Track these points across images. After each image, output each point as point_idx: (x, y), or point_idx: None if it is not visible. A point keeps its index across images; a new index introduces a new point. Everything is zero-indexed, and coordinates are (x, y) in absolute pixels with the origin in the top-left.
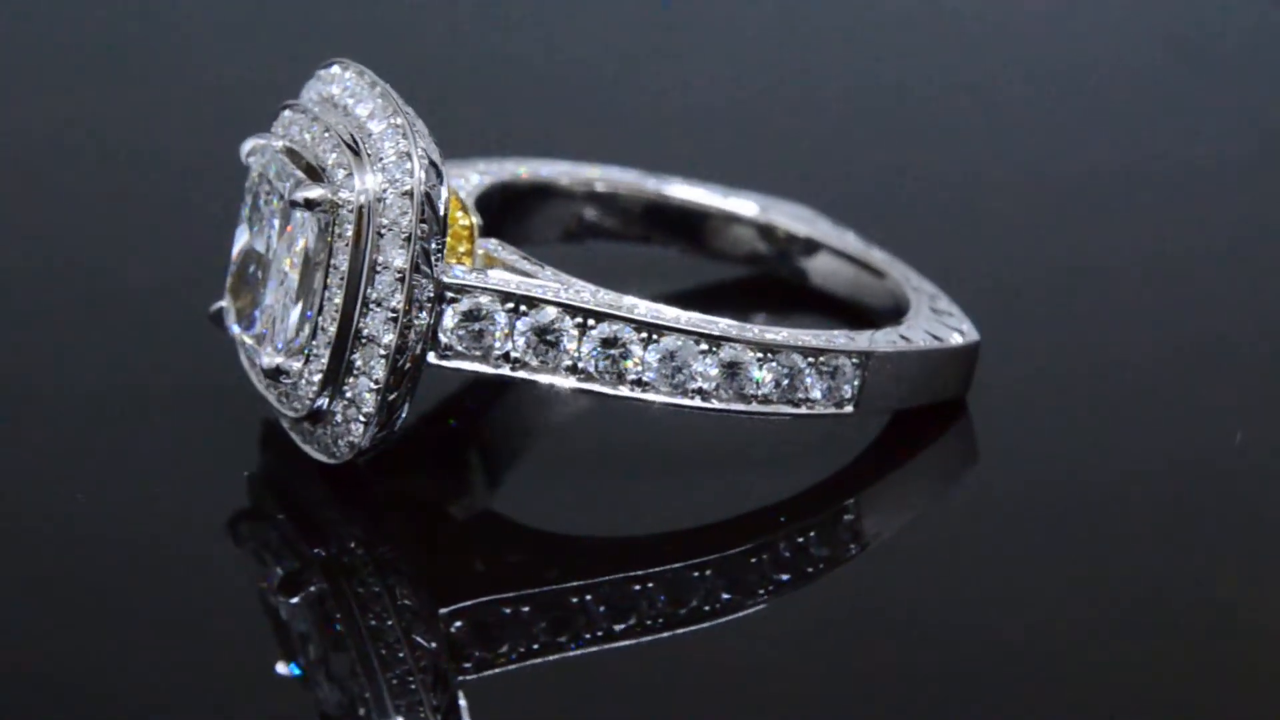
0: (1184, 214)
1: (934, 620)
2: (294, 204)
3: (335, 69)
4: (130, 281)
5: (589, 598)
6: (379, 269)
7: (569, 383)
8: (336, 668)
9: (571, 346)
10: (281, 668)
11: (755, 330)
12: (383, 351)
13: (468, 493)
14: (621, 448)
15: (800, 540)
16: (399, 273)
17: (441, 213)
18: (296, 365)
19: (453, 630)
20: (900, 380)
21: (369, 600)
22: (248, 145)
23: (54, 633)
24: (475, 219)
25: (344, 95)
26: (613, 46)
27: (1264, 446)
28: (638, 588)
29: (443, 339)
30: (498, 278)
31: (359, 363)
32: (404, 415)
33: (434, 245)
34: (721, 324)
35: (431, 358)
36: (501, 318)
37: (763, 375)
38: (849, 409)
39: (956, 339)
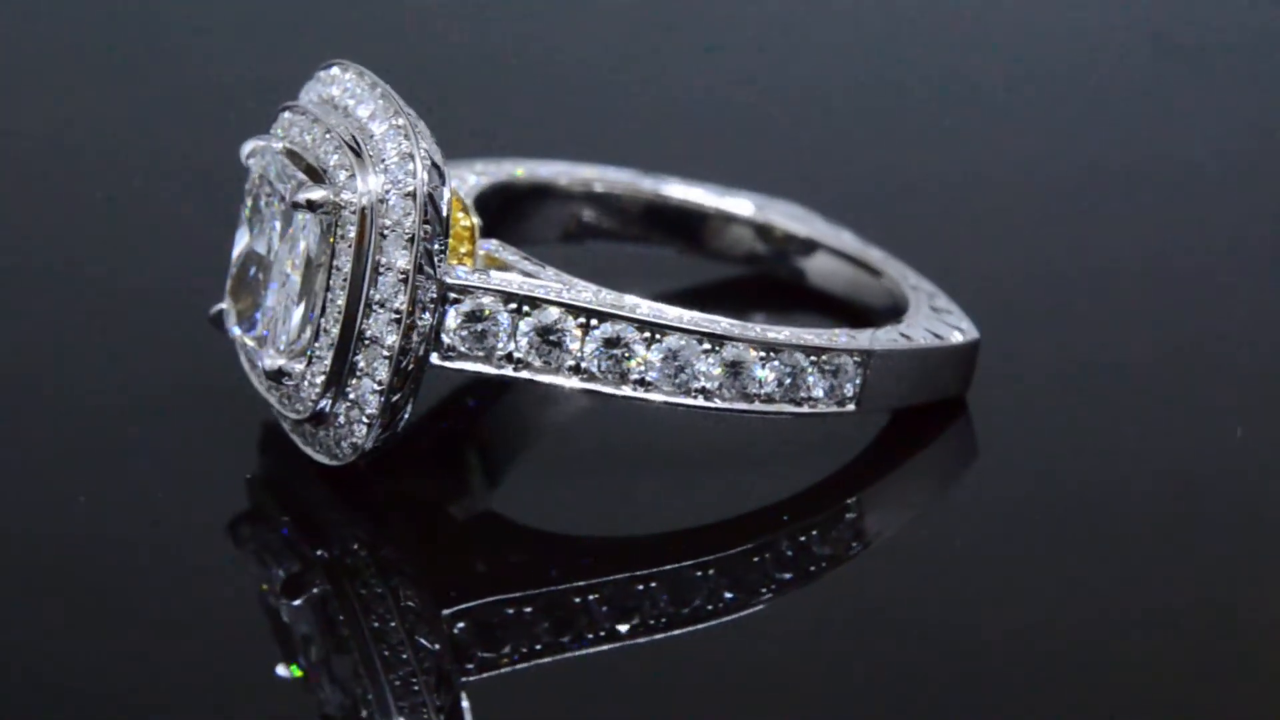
0: (1183, 213)
1: (937, 619)
2: (296, 205)
3: (335, 70)
4: (129, 284)
5: (592, 598)
6: (382, 270)
7: (572, 383)
8: (339, 669)
9: (574, 347)
10: (282, 670)
11: (757, 329)
12: (386, 353)
13: (467, 493)
14: (622, 447)
15: (802, 539)
16: (402, 274)
17: (444, 214)
18: (299, 367)
19: (455, 631)
20: (901, 378)
21: (371, 602)
22: (248, 147)
23: (55, 634)
24: (476, 220)
25: (344, 97)
26: (608, 46)
27: (1264, 445)
28: (640, 587)
29: (445, 340)
30: (500, 278)
31: (362, 364)
32: (407, 416)
33: (437, 246)
34: (724, 323)
35: (434, 358)
36: (504, 318)
37: (765, 374)
38: (851, 407)
39: (957, 337)
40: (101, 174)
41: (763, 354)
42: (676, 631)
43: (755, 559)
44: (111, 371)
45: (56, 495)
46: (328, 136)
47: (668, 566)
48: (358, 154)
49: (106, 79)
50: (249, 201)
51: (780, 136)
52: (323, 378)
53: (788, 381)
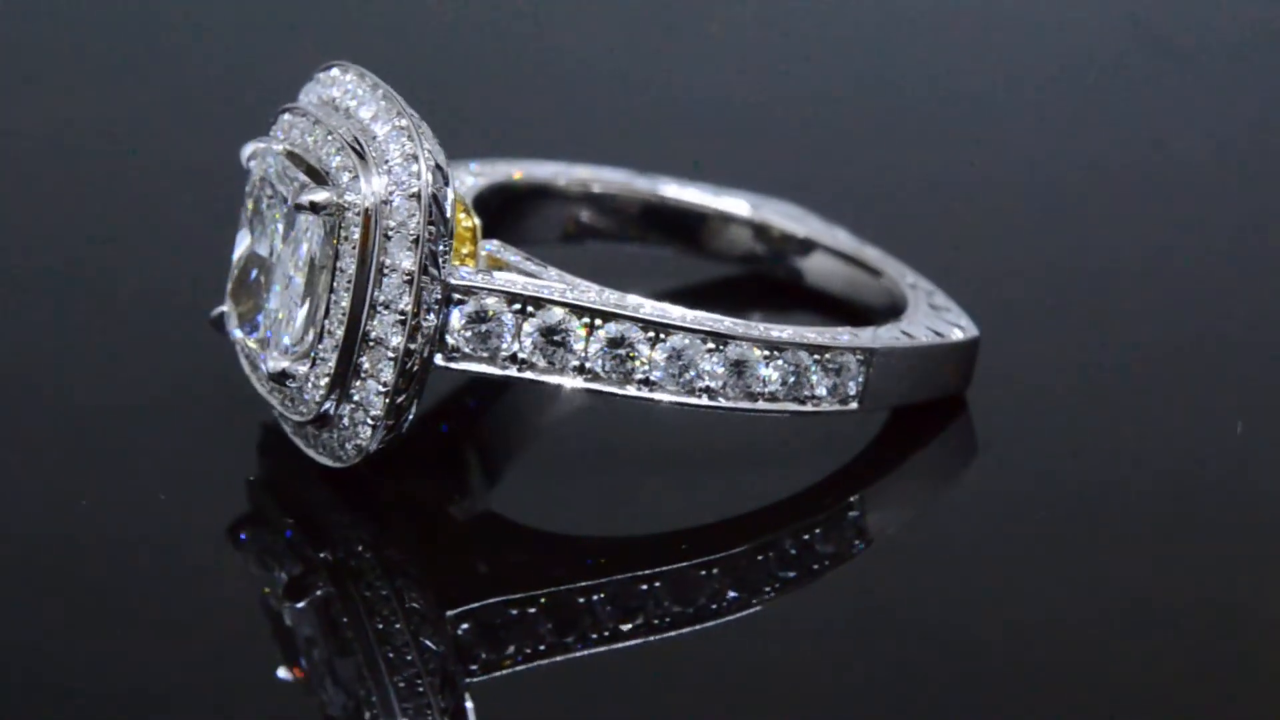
0: (1182, 212)
1: (939, 617)
2: (299, 207)
3: (335, 71)
4: (129, 286)
5: (595, 598)
6: (386, 271)
7: (576, 383)
8: (342, 671)
9: (579, 347)
10: (283, 672)
11: (761, 328)
12: (391, 354)
13: (467, 494)
14: (622, 447)
15: (806, 538)
16: (407, 275)
17: (448, 214)
18: (302, 369)
19: (459, 632)
20: (903, 376)
21: (375, 603)
22: (248, 149)
23: (57, 636)
24: (477, 220)
25: (345, 98)
26: (603, 46)
27: (1264, 443)
28: (644, 587)
29: (450, 341)
30: (504, 279)
31: (366, 366)
32: (410, 418)
33: (441, 247)
34: (727, 322)
35: (438, 360)
36: (509, 319)
37: (769, 373)
38: (854, 406)
39: (957, 334)
40: (102, 174)
41: (766, 353)
42: (680, 631)
43: (759, 558)
44: (111, 374)
45: (58, 497)
46: (329, 138)
47: (671, 566)
48: (361, 155)
49: (107, 80)
50: (249, 204)
51: (776, 136)
52: (327, 379)
53: (791, 380)
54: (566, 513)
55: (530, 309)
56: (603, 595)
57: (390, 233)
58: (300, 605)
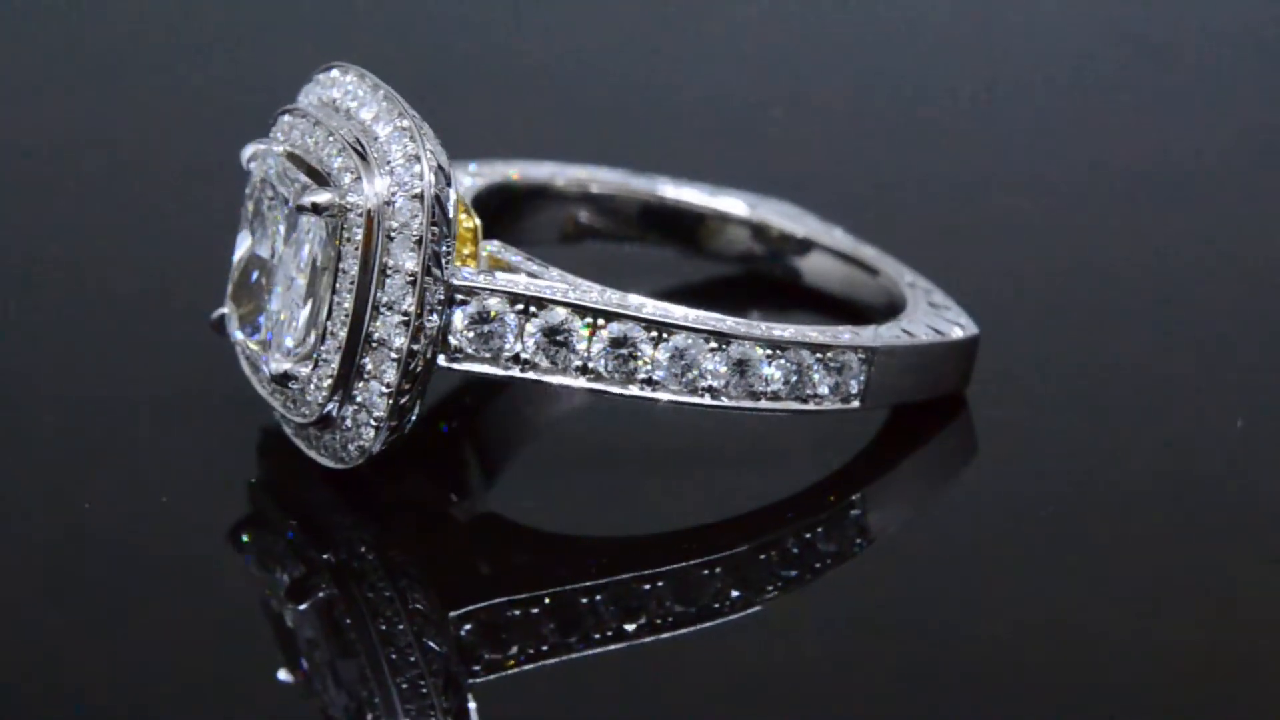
0: (1181, 211)
1: (941, 615)
2: (302, 209)
3: (334, 73)
4: (128, 288)
5: (598, 598)
6: (389, 272)
7: (579, 383)
8: (344, 673)
9: (581, 347)
10: (284, 674)
11: (763, 327)
12: (394, 355)
13: (467, 494)
14: (622, 447)
15: (808, 536)
16: (410, 276)
17: (451, 215)
18: (305, 371)
19: (462, 633)
20: (904, 375)
21: (377, 605)
22: (248, 150)
23: (59, 638)
24: (477, 221)
25: (346, 99)
26: (597, 45)
27: (1264, 441)
28: (647, 587)
29: (452, 341)
30: (506, 279)
31: (370, 367)
32: (413, 419)
33: (444, 248)
34: (729, 321)
35: (441, 360)
36: (511, 319)
37: (772, 372)
38: (856, 404)
39: (957, 332)
40: (102, 176)
41: (769, 352)
42: (683, 631)
43: (761, 557)
44: (112, 376)
45: (60, 500)
46: (330, 139)
47: (673, 566)
48: (363, 157)
49: (106, 81)
50: (250, 205)
51: (772, 135)
52: (330, 381)
53: (794, 379)
54: (568, 513)
55: (533, 309)
56: (605, 595)
57: (393, 234)
58: (302, 607)
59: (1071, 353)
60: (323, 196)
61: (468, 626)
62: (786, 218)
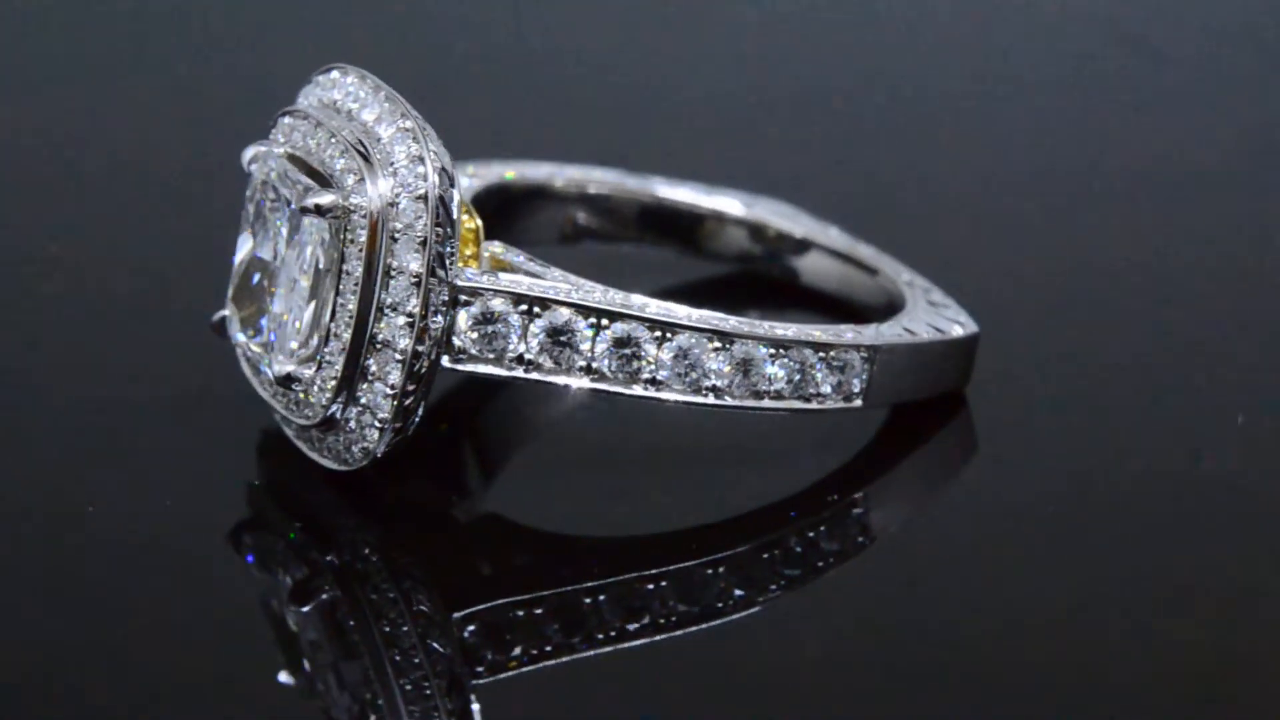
0: (1180, 210)
1: (944, 613)
2: (305, 210)
3: (335, 74)
4: (128, 291)
5: (601, 598)
6: (393, 273)
7: (582, 383)
8: (348, 675)
9: (585, 347)
10: (284, 676)
11: (766, 326)
12: (399, 356)
13: (467, 494)
14: (624, 448)
15: (810, 535)
16: (415, 277)
17: (455, 216)
18: (308, 373)
19: (465, 634)
20: (906, 373)
21: (380, 606)
22: (249, 152)
23: (62, 641)
24: (479, 221)
25: (347, 100)
26: (595, 45)
27: (1263, 439)
28: (650, 587)
29: (456, 342)
30: (509, 279)
31: (374, 368)
32: (417, 420)
33: (448, 249)
34: (732, 321)
35: (445, 361)
36: (515, 320)
37: (775, 371)
38: (858, 403)
39: (957, 330)
40: (101, 177)
41: (772, 351)
42: (686, 630)
43: (763, 556)
44: (112, 379)
45: (62, 503)
46: (333, 140)
47: (676, 565)
48: (365, 158)
49: (107, 83)
50: (250, 208)
51: (769, 135)
52: (334, 383)
53: (797, 378)
54: (570, 513)
55: (536, 310)
56: (608, 595)
57: (397, 235)
58: (305, 609)
59: (1070, 351)
60: (326, 198)
61: (471, 627)
62: (783, 217)
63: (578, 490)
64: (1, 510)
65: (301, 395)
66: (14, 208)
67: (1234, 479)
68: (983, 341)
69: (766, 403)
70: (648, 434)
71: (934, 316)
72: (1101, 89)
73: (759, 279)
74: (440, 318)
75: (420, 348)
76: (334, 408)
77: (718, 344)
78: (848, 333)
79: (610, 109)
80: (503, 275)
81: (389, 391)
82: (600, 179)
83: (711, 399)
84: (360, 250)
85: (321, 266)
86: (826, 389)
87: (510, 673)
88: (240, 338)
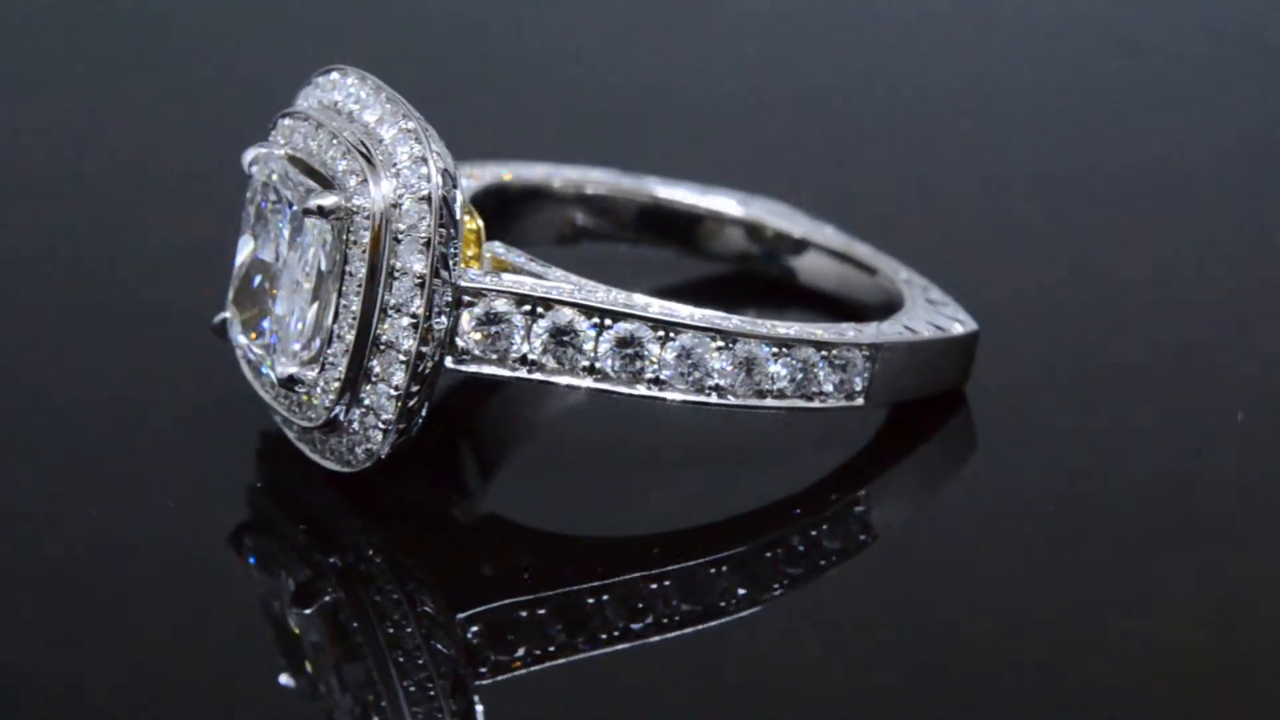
0: (1180, 210)
1: (948, 611)
2: (308, 212)
3: (334, 75)
4: (128, 293)
5: (605, 598)
6: (397, 274)
7: (585, 383)
8: (350, 676)
9: (589, 347)
10: (285, 679)
11: (768, 325)
12: (403, 357)
13: (467, 494)
14: (624, 447)
15: (813, 534)
16: (418, 278)
17: (458, 217)
18: (311, 374)
19: (469, 635)
20: (907, 371)
21: (384, 608)
22: (250, 154)
23: (64, 644)
24: (480, 222)
25: (348, 101)
26: (592, 44)
27: (1263, 436)
28: (653, 586)
29: (459, 343)
30: (512, 280)
31: (377, 370)
32: (420, 421)
33: (452, 250)
34: (735, 320)
35: (448, 362)
36: (518, 320)
37: (778, 370)
38: (860, 401)
39: (957, 328)
40: (101, 179)
41: (775, 350)
42: (690, 630)
43: (766, 555)
44: (112, 382)
45: (63, 506)
46: (334, 142)
47: (679, 565)
48: (368, 159)
49: (107, 83)
50: (251, 210)
51: (765, 135)
52: (337, 384)
53: (800, 377)
54: (572, 513)
55: (540, 310)
56: (611, 595)
57: (400, 236)
58: (308, 611)
59: (1068, 349)
60: (329, 200)
61: (475, 628)
62: (780, 216)
63: (579, 490)
64: (3, 512)
65: (304, 397)
66: (14, 208)
67: (1234, 479)
68: (981, 339)
69: (769, 401)
70: (648, 434)
71: (934, 314)
72: (1101, 89)
73: (756, 279)
74: (444, 318)
75: (424, 349)
76: (337, 409)
77: (721, 343)
78: (849, 331)
79: (609, 109)
80: (505, 276)
81: (393, 393)
82: (597, 179)
83: (715, 398)
84: (363, 251)
85: (324, 268)
86: (829, 387)
87: (514, 673)
88: (241, 340)
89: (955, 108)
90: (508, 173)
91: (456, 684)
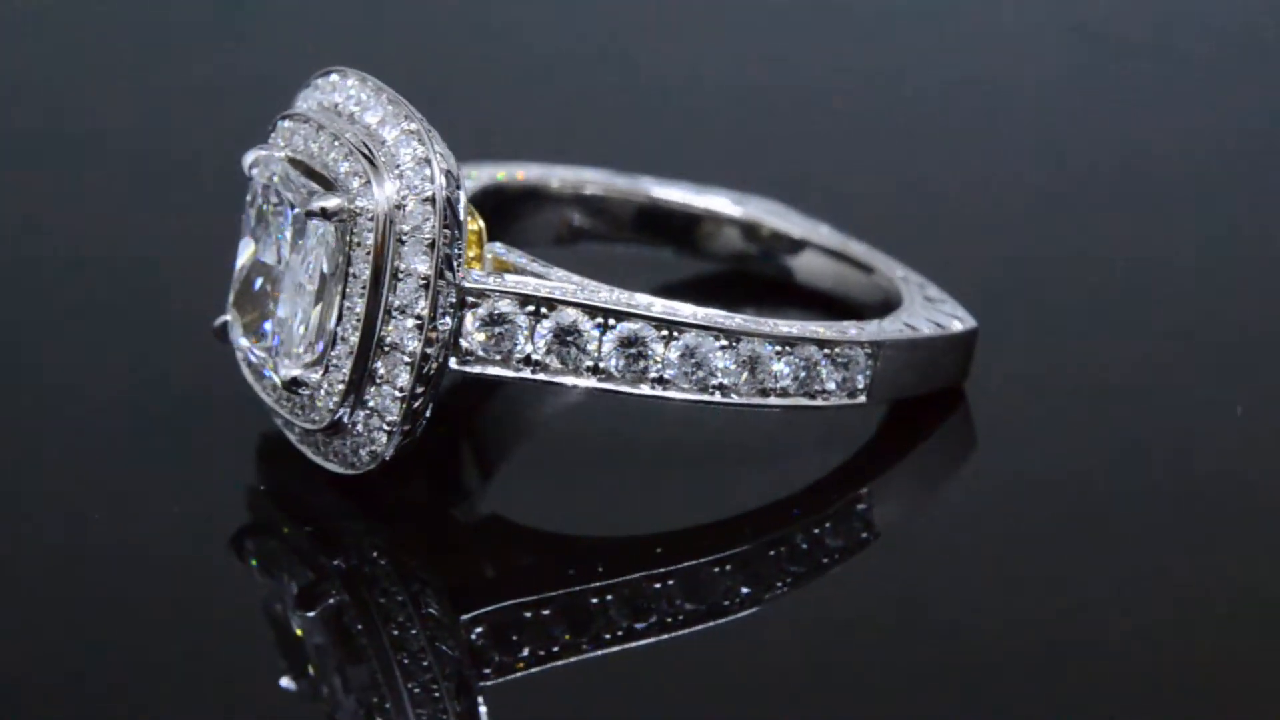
0: (1180, 209)
1: (948, 609)
2: (311, 214)
3: (334, 77)
4: (128, 296)
5: (608, 598)
6: (401, 276)
7: (589, 383)
8: (354, 678)
9: (592, 347)
10: (286, 681)
11: (770, 324)
12: (407, 359)
13: (468, 495)
14: (625, 446)
15: (816, 532)
16: (423, 279)
17: (462, 218)
18: (315, 376)
19: (473, 636)
20: (908, 368)
21: (388, 609)
22: (250, 157)
23: (66, 646)
24: (481, 223)
25: (349, 103)
26: (590, 44)
27: (1262, 434)
28: (657, 586)
29: (463, 344)
30: (515, 280)
31: (382, 371)
32: (424, 423)
33: (456, 251)
34: (738, 319)
35: (452, 363)
36: (522, 321)
37: (781, 368)
38: (862, 399)
39: (957, 326)
40: (100, 180)
41: (778, 348)
42: (694, 629)
43: (769, 553)
44: (111, 385)
45: (64, 507)
46: (336, 144)
47: (682, 564)
48: (370, 161)
49: (107, 83)
50: (252, 212)
51: (764, 135)
52: (341, 386)
53: (803, 375)
54: (574, 513)
55: (543, 310)
56: (615, 595)
57: (404, 237)
58: (312, 614)
59: (1067, 347)
60: (332, 201)
61: (479, 629)
62: (775, 216)
63: (581, 490)
64: (4, 514)
65: (308, 400)
66: (14, 208)
67: (1234, 476)
68: (979, 337)
69: (773, 400)
70: (650, 433)
71: (933, 312)
72: (1101, 88)
73: (752, 278)
74: (448, 320)
75: (429, 350)
76: (341, 411)
77: (724, 342)
78: (851, 329)
79: (609, 109)
80: (508, 276)
81: (398, 394)
82: (595, 180)
83: (718, 397)
84: (367, 253)
85: (327, 270)
86: (831, 386)
87: (518, 674)
88: (243, 342)
89: (955, 107)
90: (503, 173)
91: (461, 685)
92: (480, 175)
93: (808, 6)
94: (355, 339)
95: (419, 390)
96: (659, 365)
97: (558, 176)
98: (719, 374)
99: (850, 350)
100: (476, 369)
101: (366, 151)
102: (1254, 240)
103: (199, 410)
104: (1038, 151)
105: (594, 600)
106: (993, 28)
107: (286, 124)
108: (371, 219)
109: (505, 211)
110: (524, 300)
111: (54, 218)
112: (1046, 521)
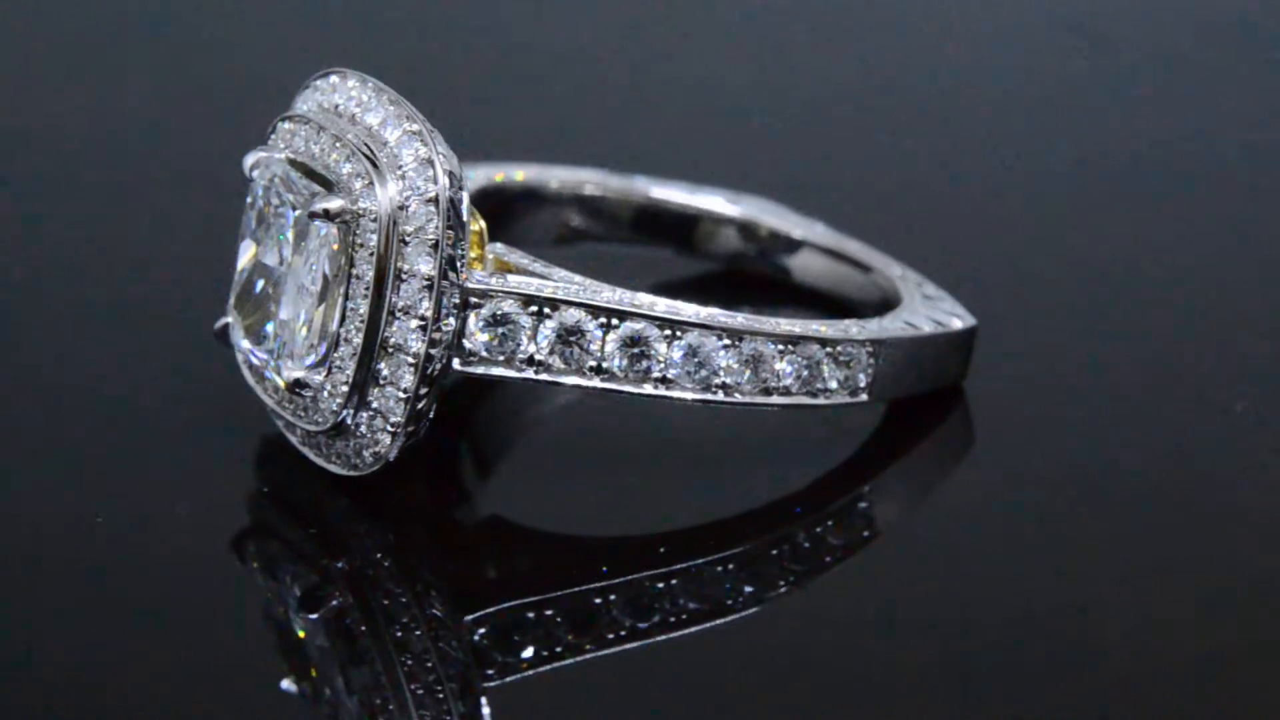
0: (1179, 209)
1: (950, 608)
2: (314, 215)
3: (334, 79)
4: (128, 297)
5: (611, 598)
6: (404, 277)
7: (593, 383)
8: (356, 680)
9: (595, 347)
10: (287, 684)
11: (772, 322)
12: (411, 360)
13: (468, 495)
14: (625, 446)
15: (818, 530)
16: (426, 280)
17: (465, 219)
18: (318, 378)
19: (476, 637)
20: (910, 367)
21: (391, 611)
22: (251, 158)
23: (67, 648)
24: (482, 223)
25: (349, 104)
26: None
27: (1262, 432)
28: (660, 585)
29: (467, 345)
30: (518, 281)
31: (385, 372)
32: (428, 424)
33: (459, 251)
34: (740, 318)
35: (455, 364)
36: (525, 321)
37: (784, 367)
38: (864, 398)
39: (956, 323)
40: (100, 181)
41: (781, 347)
42: (697, 628)
43: (773, 552)
44: (111, 386)
45: (68, 512)
46: (338, 145)
47: (685, 564)
48: (373, 162)
49: (107, 83)
50: (252, 215)
51: (763, 134)
52: (345, 388)
53: (805, 374)
54: (576, 513)
55: (546, 310)
56: (618, 595)
57: (408, 238)
58: (314, 616)
59: (1066, 346)
60: (334, 203)
61: (482, 630)
62: (772, 215)
63: (583, 490)
64: (6, 516)
65: (311, 401)
66: (14, 208)
67: (1234, 473)
68: (978, 335)
69: (775, 399)
70: (650, 432)
71: (932, 310)
72: (1102, 87)
73: (750, 277)
74: (452, 320)
75: (432, 351)
76: (344, 413)
77: (727, 341)
78: (853, 328)
79: (608, 109)
80: (510, 277)
81: (401, 395)
82: (593, 180)
83: (721, 396)
84: (370, 254)
85: (329, 272)
86: (833, 384)
87: (521, 674)
88: (244, 345)
89: (952, 106)
90: (501, 174)
91: (464, 686)
92: (478, 176)
93: (807, 6)
94: (359, 340)
95: (423, 391)
96: (662, 365)
97: (556, 177)
98: (722, 373)
99: (852, 349)
100: (480, 369)
101: (369, 153)
102: (1254, 239)
103: (200, 413)
104: (1037, 151)
105: (597, 600)
106: (992, 27)
107: (286, 125)
108: (374, 220)
109: (504, 212)
110: (527, 301)
111: (54, 218)
112: (1046, 519)
